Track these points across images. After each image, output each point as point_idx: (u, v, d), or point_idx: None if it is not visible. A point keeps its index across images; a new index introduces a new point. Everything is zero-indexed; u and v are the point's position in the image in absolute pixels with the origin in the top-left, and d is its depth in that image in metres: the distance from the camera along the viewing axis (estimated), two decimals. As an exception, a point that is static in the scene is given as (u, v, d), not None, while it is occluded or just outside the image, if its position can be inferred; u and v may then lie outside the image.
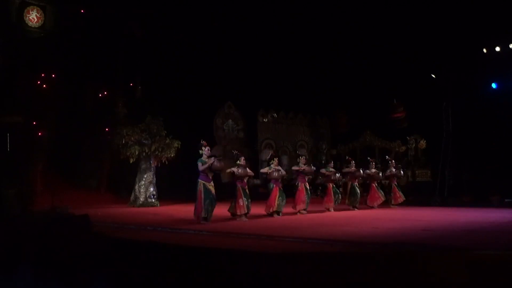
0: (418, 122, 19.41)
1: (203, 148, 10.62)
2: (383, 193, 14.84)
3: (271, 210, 11.96)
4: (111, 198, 17.38)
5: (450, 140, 16.88)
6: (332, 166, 14.55)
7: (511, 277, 4.67)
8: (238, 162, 11.39)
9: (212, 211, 10.57)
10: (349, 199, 14.41)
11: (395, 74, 18.42)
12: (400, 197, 15.00)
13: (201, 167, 10.48)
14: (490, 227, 9.25)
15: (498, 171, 15.67)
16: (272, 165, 12.34)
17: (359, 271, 4.96)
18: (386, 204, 14.89)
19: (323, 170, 14.40)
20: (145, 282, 5.10)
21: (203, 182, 10.51)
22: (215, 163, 10.66)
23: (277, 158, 12.62)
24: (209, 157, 10.72)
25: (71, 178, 17.66)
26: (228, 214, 11.39)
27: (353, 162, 14.94)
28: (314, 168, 13.83)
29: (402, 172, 16.23)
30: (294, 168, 13.45)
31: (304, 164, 13.29)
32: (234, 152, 11.95)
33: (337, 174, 14.35)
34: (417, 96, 18.33)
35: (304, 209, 12.85)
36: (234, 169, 11.32)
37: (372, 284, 4.54)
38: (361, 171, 14.60)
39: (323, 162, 13.57)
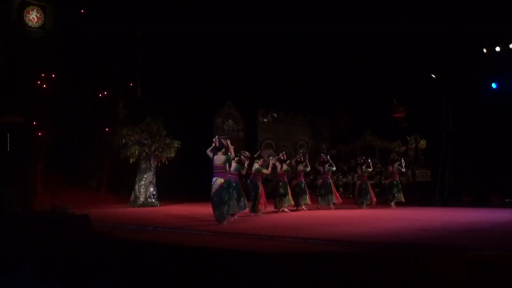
0: (418, 122, 19.41)
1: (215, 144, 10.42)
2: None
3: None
4: (111, 198, 17.37)
5: (450, 140, 16.85)
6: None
7: (511, 277, 4.67)
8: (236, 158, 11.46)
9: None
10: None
11: (395, 74, 18.42)
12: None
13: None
14: (490, 227, 9.23)
15: (498, 171, 15.66)
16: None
17: (359, 271, 4.96)
18: (386, 204, 14.87)
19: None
20: (144, 282, 5.10)
21: (220, 179, 10.27)
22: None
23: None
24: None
25: (71, 178, 17.66)
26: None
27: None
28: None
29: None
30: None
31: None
32: (241, 152, 11.96)
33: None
34: (417, 96, 18.34)
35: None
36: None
37: (372, 284, 4.54)
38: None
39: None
